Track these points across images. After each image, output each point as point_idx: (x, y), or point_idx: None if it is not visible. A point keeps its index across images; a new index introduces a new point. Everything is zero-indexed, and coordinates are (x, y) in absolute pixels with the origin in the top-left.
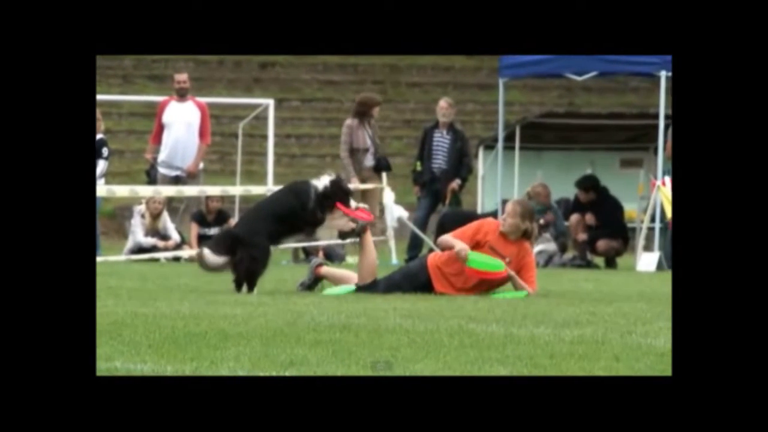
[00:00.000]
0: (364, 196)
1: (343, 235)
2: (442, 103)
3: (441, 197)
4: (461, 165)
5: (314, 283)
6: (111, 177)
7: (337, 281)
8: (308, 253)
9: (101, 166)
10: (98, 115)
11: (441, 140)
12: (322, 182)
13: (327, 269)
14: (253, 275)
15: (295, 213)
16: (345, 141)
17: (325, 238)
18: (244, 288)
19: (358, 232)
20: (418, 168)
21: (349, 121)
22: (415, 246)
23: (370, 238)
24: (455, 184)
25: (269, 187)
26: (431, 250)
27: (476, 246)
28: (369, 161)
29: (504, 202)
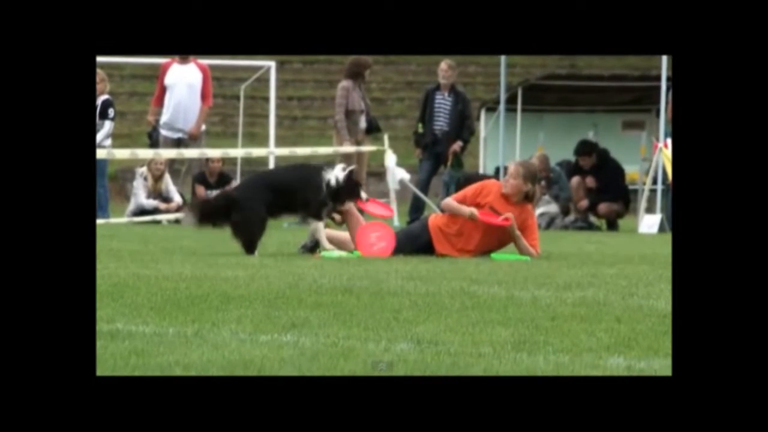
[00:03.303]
0: (358, 158)
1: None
2: (443, 65)
3: (443, 159)
4: (463, 127)
5: (315, 245)
6: (113, 139)
7: (337, 244)
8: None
9: (107, 127)
10: (103, 75)
11: (443, 102)
12: (334, 175)
13: (329, 231)
14: (249, 238)
15: (295, 194)
16: (341, 103)
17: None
18: (254, 252)
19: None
20: (420, 130)
21: (345, 83)
22: (417, 208)
23: (351, 205)
24: (457, 146)
25: (271, 149)
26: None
27: (477, 207)
28: (362, 123)
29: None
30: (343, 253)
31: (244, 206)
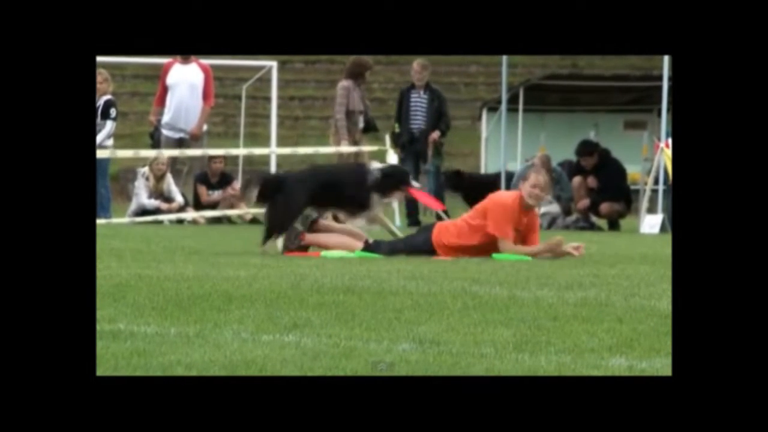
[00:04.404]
0: (357, 158)
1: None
2: (415, 65)
3: (422, 156)
4: (440, 122)
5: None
6: (114, 139)
7: (324, 247)
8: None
9: (109, 126)
10: (106, 75)
11: (418, 100)
12: (379, 167)
13: (313, 237)
14: (276, 224)
15: (342, 188)
16: (341, 102)
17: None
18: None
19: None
20: (397, 130)
21: (345, 83)
22: (413, 207)
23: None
24: (435, 135)
25: (272, 149)
26: (438, 218)
27: (516, 231)
28: (361, 123)
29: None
30: (344, 253)
31: (290, 190)
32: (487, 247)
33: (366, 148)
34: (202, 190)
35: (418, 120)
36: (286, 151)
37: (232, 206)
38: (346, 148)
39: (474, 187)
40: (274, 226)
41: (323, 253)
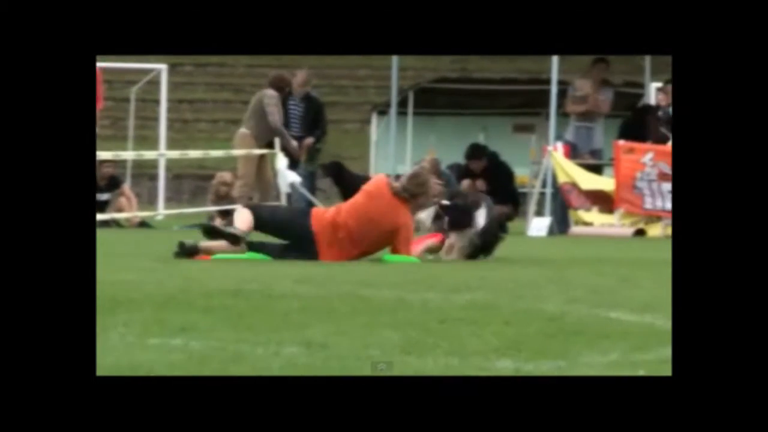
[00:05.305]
0: (261, 162)
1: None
2: (299, 77)
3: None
4: (315, 128)
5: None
6: None
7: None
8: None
9: None
10: None
11: (295, 108)
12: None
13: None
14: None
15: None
16: (272, 112)
17: None
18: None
19: None
20: None
21: (273, 92)
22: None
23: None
24: (309, 141)
25: (161, 152)
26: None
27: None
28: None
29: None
30: (235, 255)
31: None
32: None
33: (256, 151)
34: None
35: (295, 127)
36: (176, 154)
37: (120, 209)
38: (257, 151)
39: (358, 189)
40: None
41: (214, 255)
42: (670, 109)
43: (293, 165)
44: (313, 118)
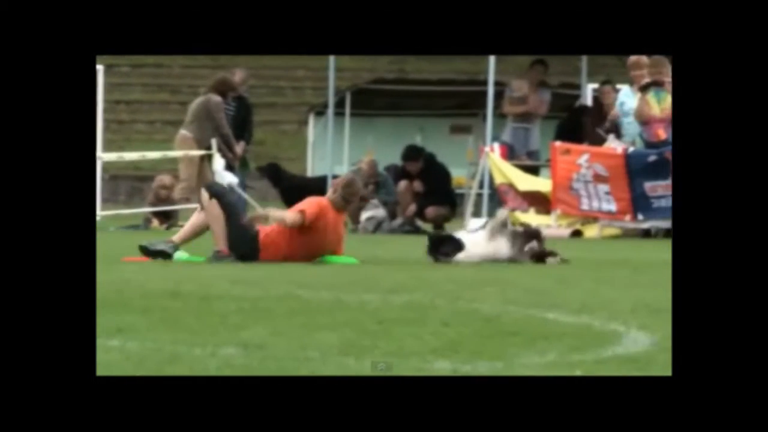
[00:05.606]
0: (201, 163)
1: None
2: (237, 77)
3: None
4: (245, 130)
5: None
6: None
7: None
8: (168, 217)
9: None
10: None
11: (226, 108)
12: None
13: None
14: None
15: None
16: (221, 117)
17: None
18: None
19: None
20: None
21: (218, 98)
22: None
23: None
24: (241, 148)
25: (98, 154)
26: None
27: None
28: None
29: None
30: (189, 256)
31: None
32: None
33: (195, 153)
34: None
35: None
36: (112, 156)
37: None
38: (195, 152)
39: (297, 189)
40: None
41: (176, 256)
42: (613, 111)
43: (229, 167)
44: (243, 119)
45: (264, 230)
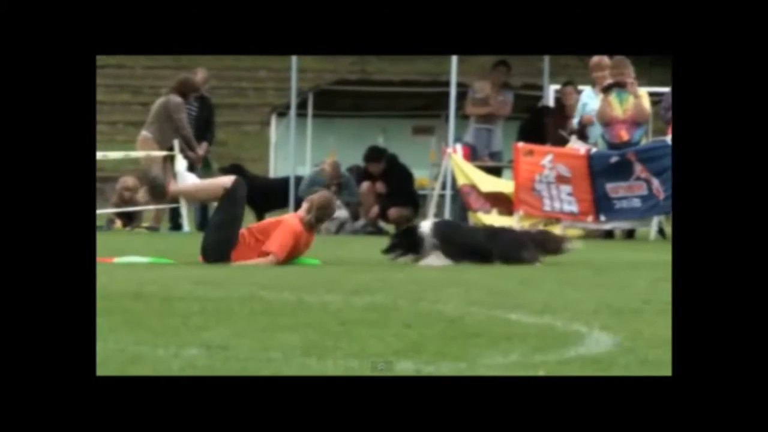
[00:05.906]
0: (165, 163)
1: None
2: (199, 77)
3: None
4: (207, 131)
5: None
6: None
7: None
8: (131, 219)
9: None
10: None
11: (189, 108)
12: None
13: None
14: None
15: None
16: (182, 118)
17: None
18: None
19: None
20: None
21: (179, 99)
22: (204, 211)
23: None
24: (203, 148)
25: None
26: None
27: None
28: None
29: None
30: (137, 259)
31: None
32: None
33: (156, 153)
34: None
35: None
36: None
37: None
38: (158, 153)
39: (260, 190)
40: None
41: (116, 259)
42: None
43: (191, 168)
44: (206, 119)
45: (237, 247)
